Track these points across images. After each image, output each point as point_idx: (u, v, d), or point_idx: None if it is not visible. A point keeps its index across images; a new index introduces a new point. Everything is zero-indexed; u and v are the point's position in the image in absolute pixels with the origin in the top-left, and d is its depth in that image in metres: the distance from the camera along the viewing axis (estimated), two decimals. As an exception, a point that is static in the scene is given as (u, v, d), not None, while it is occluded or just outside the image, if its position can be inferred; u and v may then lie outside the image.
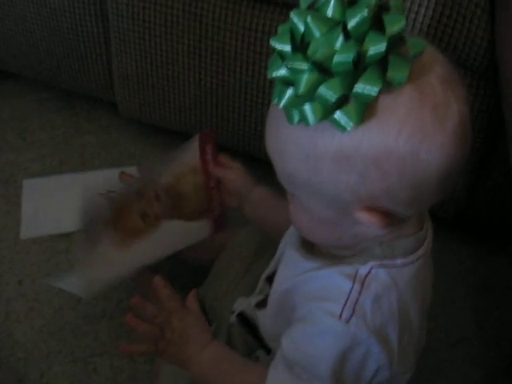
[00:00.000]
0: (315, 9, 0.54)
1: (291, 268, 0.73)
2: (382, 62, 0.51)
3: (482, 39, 0.93)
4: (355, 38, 0.51)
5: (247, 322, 0.86)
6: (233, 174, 0.98)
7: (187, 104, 1.25)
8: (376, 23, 0.52)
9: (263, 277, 0.87)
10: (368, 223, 0.60)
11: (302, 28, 0.52)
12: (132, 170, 1.32)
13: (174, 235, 0.95)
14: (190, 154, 0.99)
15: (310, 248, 0.73)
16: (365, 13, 0.51)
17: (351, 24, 0.51)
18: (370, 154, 0.54)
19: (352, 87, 0.51)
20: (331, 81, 0.51)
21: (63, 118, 1.49)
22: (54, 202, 1.29)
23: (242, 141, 1.26)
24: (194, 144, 0.99)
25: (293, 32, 0.53)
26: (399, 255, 0.65)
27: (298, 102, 0.53)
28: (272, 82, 1.09)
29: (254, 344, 0.86)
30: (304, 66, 0.51)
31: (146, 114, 1.33)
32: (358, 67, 0.51)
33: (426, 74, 0.54)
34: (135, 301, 0.83)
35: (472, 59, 0.96)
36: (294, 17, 0.53)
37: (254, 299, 0.86)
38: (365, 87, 0.51)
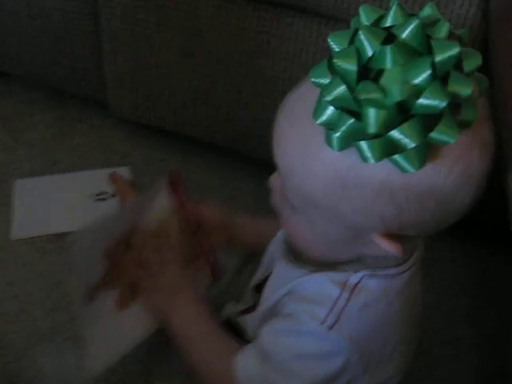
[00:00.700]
0: (382, 27, 0.49)
1: (282, 277, 0.73)
2: (457, 105, 0.48)
3: (475, 41, 0.93)
4: (439, 77, 0.46)
5: (233, 328, 0.86)
6: (209, 210, 0.95)
7: (179, 104, 1.25)
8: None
9: (250, 286, 0.86)
10: (385, 248, 0.58)
11: (370, 52, 0.47)
12: (123, 171, 1.32)
13: None
14: (164, 198, 0.97)
15: (298, 255, 0.72)
16: (457, 48, 0.46)
17: (439, 59, 0.46)
18: (415, 190, 0.52)
19: (427, 133, 0.47)
20: (409, 125, 0.47)
21: (55, 118, 1.48)
22: (46, 202, 1.28)
23: (235, 140, 1.25)
24: (164, 188, 0.97)
25: (359, 52, 0.48)
26: (391, 265, 0.65)
27: (356, 136, 0.48)
28: (266, 81, 1.09)
29: None
30: (379, 97, 0.46)
31: (137, 113, 1.32)
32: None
33: (478, 114, 0.51)
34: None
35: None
36: (365, 37, 0.47)
37: (240, 307, 0.85)
38: (443, 135, 0.47)
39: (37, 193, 1.30)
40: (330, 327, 0.62)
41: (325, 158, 0.53)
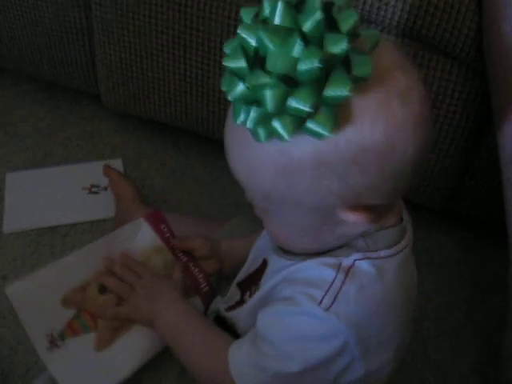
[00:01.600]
0: (261, 21, 0.52)
1: (274, 269, 0.72)
2: (345, 62, 0.50)
3: (470, 29, 0.93)
4: (314, 43, 0.49)
5: (222, 323, 0.85)
6: (195, 242, 0.95)
7: (172, 95, 1.24)
8: (328, 23, 0.50)
9: (234, 282, 0.86)
10: (354, 222, 0.59)
11: (253, 43, 0.50)
12: (116, 163, 1.31)
13: None
14: (145, 236, 0.96)
15: (287, 250, 0.73)
16: (318, 14, 0.49)
17: (307, 28, 0.49)
18: (348, 155, 0.53)
19: (321, 93, 0.50)
20: (300, 91, 0.50)
21: (46, 111, 1.47)
22: (38, 196, 1.27)
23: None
24: (144, 226, 0.96)
25: (244, 48, 0.51)
26: (382, 247, 0.65)
27: (265, 119, 0.51)
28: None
29: None
30: (267, 80, 0.50)
31: (129, 105, 1.31)
32: (323, 72, 0.50)
33: (386, 65, 0.54)
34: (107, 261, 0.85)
35: (459, 49, 0.95)
36: (243, 33, 0.51)
37: (225, 304, 0.85)
38: (335, 90, 0.49)
39: (28, 186, 1.29)
40: (327, 308, 0.62)
41: (259, 153, 0.56)
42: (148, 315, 0.80)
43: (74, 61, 1.32)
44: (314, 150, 0.53)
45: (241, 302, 0.81)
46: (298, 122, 0.51)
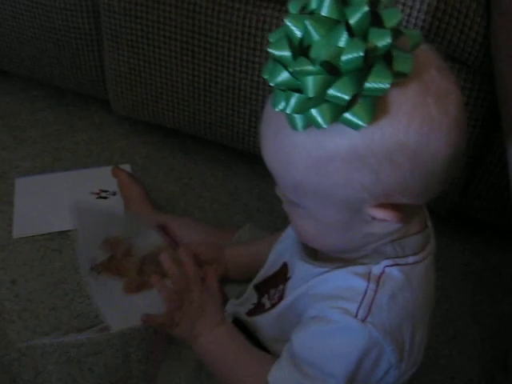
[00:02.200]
0: (308, 12, 0.54)
1: (300, 277, 0.72)
2: (387, 57, 0.51)
3: (478, 33, 0.93)
4: (359, 35, 0.51)
5: (242, 327, 0.85)
6: (200, 247, 0.96)
7: (180, 101, 1.24)
8: (373, 19, 0.52)
9: (251, 285, 0.86)
10: (382, 220, 0.59)
11: (299, 33, 0.52)
12: (124, 168, 1.32)
13: None
14: (156, 236, 0.98)
15: (314, 254, 0.73)
16: (365, 8, 0.51)
17: (353, 21, 0.51)
18: (382, 150, 0.54)
19: (361, 84, 0.51)
20: (341, 80, 0.50)
21: (55, 116, 1.48)
22: (47, 201, 1.28)
23: (235, 137, 1.25)
24: (155, 228, 0.98)
25: (290, 37, 0.52)
26: (410, 253, 0.65)
27: (304, 106, 0.52)
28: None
29: None
30: (310, 67, 0.51)
31: (138, 111, 1.32)
32: (365, 64, 0.51)
33: (424, 65, 0.55)
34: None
35: (467, 53, 0.95)
36: (290, 22, 0.52)
37: (244, 308, 0.84)
38: (376, 83, 0.50)
39: (38, 191, 1.30)
40: (363, 320, 0.62)
41: (294, 143, 0.56)
42: (188, 336, 0.80)
43: (83, 66, 1.33)
44: (348, 143, 0.54)
45: (259, 305, 0.81)
46: (337, 111, 0.52)
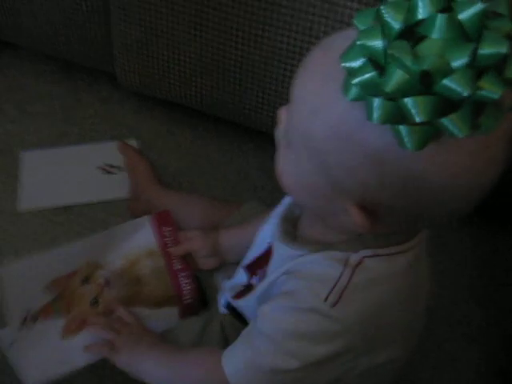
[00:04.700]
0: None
1: (280, 258, 0.72)
2: (498, 65, 0.45)
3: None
4: (475, 68, 0.44)
5: (235, 311, 0.85)
6: (194, 243, 0.97)
7: (188, 75, 1.23)
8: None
9: (240, 266, 0.85)
10: (353, 218, 0.57)
11: (420, 16, 0.45)
12: (131, 143, 1.31)
13: None
14: (144, 237, 0.96)
15: (294, 237, 0.72)
16: (504, 48, 0.44)
17: (484, 52, 0.44)
18: (405, 174, 0.50)
19: (439, 115, 0.45)
20: (425, 98, 0.45)
21: (62, 90, 1.46)
22: (53, 175, 1.27)
23: (243, 114, 1.23)
24: (145, 227, 0.96)
25: (410, 11, 0.46)
26: (393, 243, 0.63)
27: (373, 90, 0.47)
28: (276, 54, 1.07)
29: None
30: (408, 59, 0.44)
31: (145, 85, 1.31)
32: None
33: None
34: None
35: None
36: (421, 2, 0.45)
37: (232, 292, 0.84)
38: (453, 124, 0.45)
39: (44, 165, 1.29)
40: (332, 305, 0.61)
41: (336, 105, 0.51)
42: (129, 359, 0.82)
43: (90, 39, 1.31)
44: (383, 145, 0.49)
45: (248, 286, 0.80)
46: (394, 118, 0.46)
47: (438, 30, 0.44)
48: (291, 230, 0.73)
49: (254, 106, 1.20)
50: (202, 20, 1.12)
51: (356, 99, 0.48)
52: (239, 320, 0.84)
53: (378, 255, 0.63)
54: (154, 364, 0.80)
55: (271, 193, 1.24)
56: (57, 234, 1.17)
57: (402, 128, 0.46)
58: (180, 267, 0.95)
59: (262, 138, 1.32)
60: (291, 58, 1.08)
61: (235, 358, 0.69)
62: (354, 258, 0.62)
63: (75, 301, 0.87)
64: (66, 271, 0.89)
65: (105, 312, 0.89)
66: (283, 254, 0.71)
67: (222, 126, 1.37)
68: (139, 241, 0.94)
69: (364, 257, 0.62)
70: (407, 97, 0.45)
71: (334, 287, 0.62)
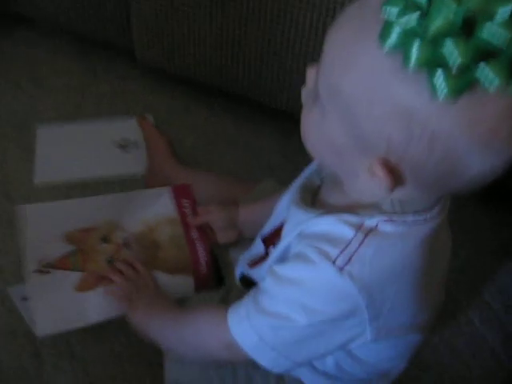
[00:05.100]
0: None
1: (293, 222, 0.71)
2: None
3: None
4: None
5: (249, 285, 0.84)
6: (213, 215, 0.97)
7: (207, 53, 1.21)
8: None
9: (258, 237, 0.84)
10: (378, 179, 0.56)
11: None
12: (148, 119, 1.30)
13: None
14: (163, 205, 0.96)
15: (311, 204, 0.71)
16: None
17: None
18: (434, 130, 0.50)
19: (478, 61, 0.45)
20: (466, 42, 0.45)
21: (79, 67, 1.46)
22: (69, 149, 1.26)
23: (263, 92, 1.22)
24: (165, 196, 0.96)
25: None
26: (410, 211, 0.62)
27: (414, 33, 0.46)
28: (298, 31, 1.05)
29: None
30: (453, 3, 0.44)
31: (163, 62, 1.29)
32: None
33: None
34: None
35: None
36: None
37: (248, 259, 0.84)
38: (489, 72, 0.45)
39: (59, 140, 1.28)
40: (341, 268, 0.60)
41: (371, 54, 0.51)
42: (142, 316, 0.83)
43: (109, 15, 1.30)
44: (414, 99, 0.49)
45: (265, 256, 0.79)
46: (433, 61, 0.46)
47: None
48: (308, 197, 0.73)
49: (274, 84, 1.19)
50: (224, -5, 1.10)
51: (394, 46, 0.48)
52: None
53: (393, 221, 0.61)
54: (158, 314, 0.81)
55: (286, 173, 1.22)
56: (72, 208, 1.17)
57: (439, 73, 0.46)
58: (197, 237, 0.95)
59: (279, 117, 1.31)
60: (314, 34, 1.06)
61: (240, 316, 0.68)
62: (369, 222, 0.61)
63: (92, 257, 0.87)
64: (86, 224, 0.89)
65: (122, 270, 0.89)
66: (298, 218, 0.69)
67: (240, 105, 1.36)
68: (159, 208, 0.94)
69: (379, 221, 0.61)
70: (448, 39, 0.45)
71: (344, 249, 0.61)
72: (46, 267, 0.86)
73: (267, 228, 0.83)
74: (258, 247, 0.83)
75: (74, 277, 0.86)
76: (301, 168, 0.80)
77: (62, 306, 0.84)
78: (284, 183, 1.02)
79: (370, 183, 0.57)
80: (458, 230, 1.17)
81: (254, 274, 0.82)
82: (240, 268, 0.87)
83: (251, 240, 0.88)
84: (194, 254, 0.94)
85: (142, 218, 0.92)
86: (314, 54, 1.08)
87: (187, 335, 0.76)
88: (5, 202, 1.17)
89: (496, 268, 1.16)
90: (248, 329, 0.66)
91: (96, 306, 0.85)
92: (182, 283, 0.91)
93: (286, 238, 0.70)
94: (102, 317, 0.84)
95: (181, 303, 0.88)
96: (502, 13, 0.44)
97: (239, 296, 0.86)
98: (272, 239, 0.80)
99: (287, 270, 0.66)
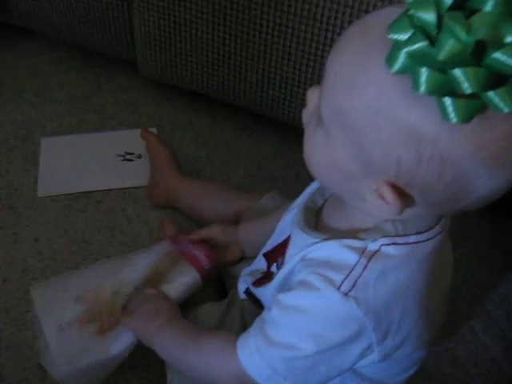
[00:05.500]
0: None
1: (297, 246, 0.71)
2: None
3: None
4: None
5: (254, 298, 0.85)
6: (211, 231, 0.98)
7: (209, 65, 1.22)
8: None
9: (261, 253, 0.85)
10: (382, 198, 0.56)
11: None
12: (151, 131, 1.30)
13: None
14: (160, 248, 0.97)
15: (313, 226, 0.71)
16: None
17: None
18: (442, 151, 0.50)
19: (489, 88, 0.45)
20: (475, 70, 0.44)
21: (82, 78, 1.47)
22: (72, 161, 1.27)
23: (264, 104, 1.23)
24: (163, 245, 0.98)
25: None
26: (412, 232, 0.63)
27: (423, 60, 0.46)
28: (299, 44, 1.06)
29: None
30: (462, 30, 0.44)
31: (166, 74, 1.30)
32: None
33: None
34: None
35: None
36: None
37: (253, 277, 0.84)
38: (500, 98, 0.45)
39: (63, 151, 1.29)
40: (346, 293, 0.61)
41: (377, 77, 0.51)
42: (146, 330, 0.83)
43: (112, 27, 1.31)
44: (423, 119, 0.49)
45: (267, 274, 0.80)
46: (442, 89, 0.46)
47: (491, 3, 0.44)
48: (312, 219, 0.73)
49: (276, 97, 1.20)
50: (226, 8, 1.11)
51: (401, 71, 0.48)
52: (258, 306, 0.84)
53: (396, 244, 0.62)
54: (168, 339, 0.80)
55: (289, 184, 1.24)
56: (76, 219, 1.18)
57: (449, 100, 0.46)
58: (193, 246, 0.96)
59: (282, 129, 1.32)
60: (315, 47, 1.07)
61: (250, 347, 0.68)
62: (372, 246, 0.62)
63: (107, 308, 0.89)
64: (94, 286, 0.91)
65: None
66: (301, 241, 0.70)
67: (243, 116, 1.37)
68: (157, 251, 0.95)
69: (382, 245, 0.62)
70: (457, 67, 0.44)
71: (348, 275, 0.61)
72: (66, 325, 0.87)
73: (269, 245, 0.83)
74: (259, 263, 0.83)
75: (93, 327, 0.87)
76: (302, 179, 0.80)
77: (83, 348, 0.86)
78: (286, 193, 1.03)
79: (377, 205, 0.58)
80: (460, 239, 1.18)
81: (258, 293, 0.82)
82: (244, 283, 0.87)
83: (253, 258, 0.89)
84: (192, 257, 0.94)
85: (145, 270, 0.93)
86: (314, 66, 1.09)
87: (198, 368, 0.77)
88: (9, 212, 1.18)
89: (498, 277, 1.16)
90: (259, 361, 0.67)
91: (117, 340, 0.86)
92: (184, 271, 0.93)
93: (290, 262, 0.70)
94: (124, 347, 0.86)
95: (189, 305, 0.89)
96: (510, 40, 0.43)
97: (240, 310, 0.87)
98: (274, 256, 0.80)
99: (292, 298, 0.66)
